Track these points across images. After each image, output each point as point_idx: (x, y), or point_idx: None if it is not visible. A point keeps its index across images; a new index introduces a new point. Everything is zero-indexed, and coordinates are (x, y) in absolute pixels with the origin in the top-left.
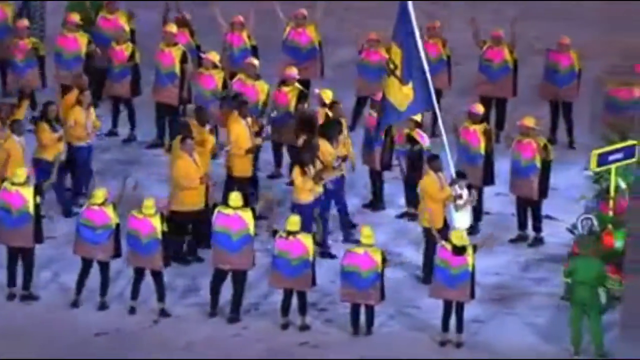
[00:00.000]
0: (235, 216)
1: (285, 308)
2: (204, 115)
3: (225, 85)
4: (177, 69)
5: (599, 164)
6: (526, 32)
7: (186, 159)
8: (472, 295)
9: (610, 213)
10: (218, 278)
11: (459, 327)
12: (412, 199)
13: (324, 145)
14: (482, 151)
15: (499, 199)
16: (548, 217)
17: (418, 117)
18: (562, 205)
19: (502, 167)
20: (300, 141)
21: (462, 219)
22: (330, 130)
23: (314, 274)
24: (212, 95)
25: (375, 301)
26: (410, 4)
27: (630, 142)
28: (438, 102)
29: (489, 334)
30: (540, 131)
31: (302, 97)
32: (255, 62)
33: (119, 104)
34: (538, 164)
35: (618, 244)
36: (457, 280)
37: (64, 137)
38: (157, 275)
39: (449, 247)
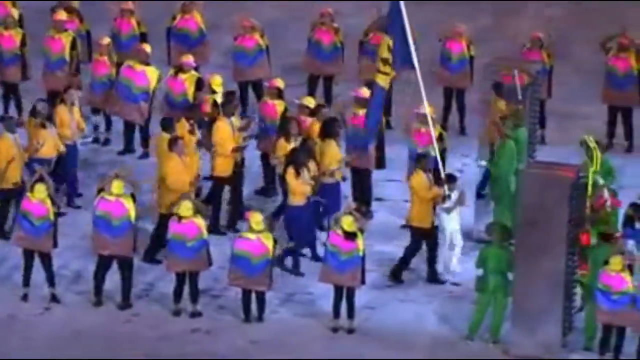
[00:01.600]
0: (117, 202)
1: (178, 294)
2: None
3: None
4: (67, 56)
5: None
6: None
7: (176, 160)
8: (363, 281)
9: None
10: (101, 265)
11: (350, 313)
12: None
13: (330, 147)
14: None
15: (394, 185)
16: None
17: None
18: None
19: (400, 153)
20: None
21: (452, 221)
22: (333, 129)
23: (209, 255)
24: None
25: (266, 287)
26: (402, 3)
27: None
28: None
29: (380, 320)
30: (436, 120)
31: (199, 84)
32: (147, 48)
33: (10, 91)
34: (434, 153)
35: (594, 241)
36: (347, 265)
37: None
38: (45, 259)
39: (340, 232)
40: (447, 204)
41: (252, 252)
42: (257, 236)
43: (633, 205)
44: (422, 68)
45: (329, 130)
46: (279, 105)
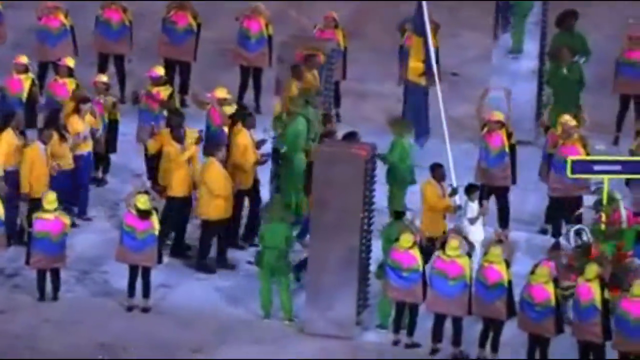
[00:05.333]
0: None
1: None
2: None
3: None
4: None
5: (575, 172)
6: None
7: (218, 167)
8: (160, 260)
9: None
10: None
11: (146, 292)
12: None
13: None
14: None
15: None
16: None
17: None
18: None
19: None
20: None
21: (477, 232)
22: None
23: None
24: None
25: (62, 265)
26: (424, 3)
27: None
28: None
29: (176, 299)
30: (232, 100)
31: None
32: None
33: None
34: (226, 130)
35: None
36: (143, 244)
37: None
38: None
39: (134, 211)
40: (470, 215)
41: (51, 232)
42: (54, 215)
43: None
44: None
45: None
46: (69, 84)
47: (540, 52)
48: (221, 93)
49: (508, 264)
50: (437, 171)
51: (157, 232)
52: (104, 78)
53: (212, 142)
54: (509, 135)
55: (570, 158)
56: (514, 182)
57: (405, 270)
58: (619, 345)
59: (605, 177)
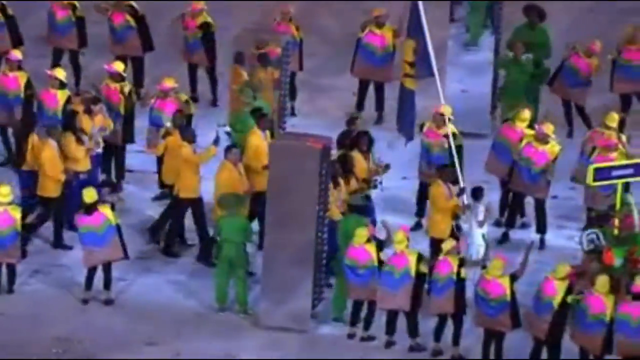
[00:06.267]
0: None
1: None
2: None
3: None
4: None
5: (597, 179)
6: None
7: (231, 169)
8: (125, 255)
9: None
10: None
11: (107, 285)
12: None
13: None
14: (122, 110)
15: (141, 156)
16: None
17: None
18: None
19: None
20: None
21: (479, 235)
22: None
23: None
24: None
25: (16, 259)
26: (420, 3)
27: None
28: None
29: (133, 292)
30: (178, 89)
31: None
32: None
33: None
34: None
35: (617, 262)
36: (103, 239)
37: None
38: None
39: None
40: (480, 217)
41: (0, 226)
42: (4, 208)
43: None
44: None
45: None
46: (20, 77)
47: (495, 45)
48: (169, 82)
49: (514, 278)
50: (445, 172)
51: (114, 223)
52: (56, 72)
53: (229, 146)
54: (454, 136)
55: (591, 166)
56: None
57: (362, 268)
58: (623, 349)
59: (619, 181)
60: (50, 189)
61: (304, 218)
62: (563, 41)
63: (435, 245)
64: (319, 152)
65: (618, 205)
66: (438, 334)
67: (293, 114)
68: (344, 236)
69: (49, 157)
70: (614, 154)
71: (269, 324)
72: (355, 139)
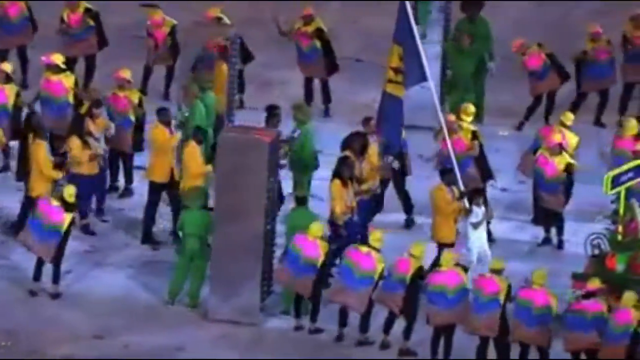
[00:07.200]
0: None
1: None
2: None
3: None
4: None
5: (613, 186)
6: None
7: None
8: (52, 260)
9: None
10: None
11: (55, 279)
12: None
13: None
14: (133, 117)
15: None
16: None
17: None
18: None
19: None
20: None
21: (479, 237)
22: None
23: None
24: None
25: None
26: (408, 4)
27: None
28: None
29: (82, 285)
30: (132, 84)
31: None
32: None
33: None
34: (132, 118)
35: (620, 267)
36: (50, 236)
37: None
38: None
39: (55, 202)
40: (474, 219)
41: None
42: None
43: None
44: None
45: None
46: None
47: (443, 37)
48: (125, 73)
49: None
50: (446, 175)
51: (63, 230)
52: (4, 67)
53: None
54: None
55: (608, 174)
56: (409, 172)
57: (304, 260)
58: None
59: (622, 186)
60: (40, 189)
61: (253, 211)
62: (511, 34)
63: (440, 250)
64: (267, 145)
65: (621, 211)
66: (388, 326)
67: (241, 106)
68: (290, 227)
69: (43, 158)
70: (557, 158)
71: (217, 317)
72: (349, 139)
